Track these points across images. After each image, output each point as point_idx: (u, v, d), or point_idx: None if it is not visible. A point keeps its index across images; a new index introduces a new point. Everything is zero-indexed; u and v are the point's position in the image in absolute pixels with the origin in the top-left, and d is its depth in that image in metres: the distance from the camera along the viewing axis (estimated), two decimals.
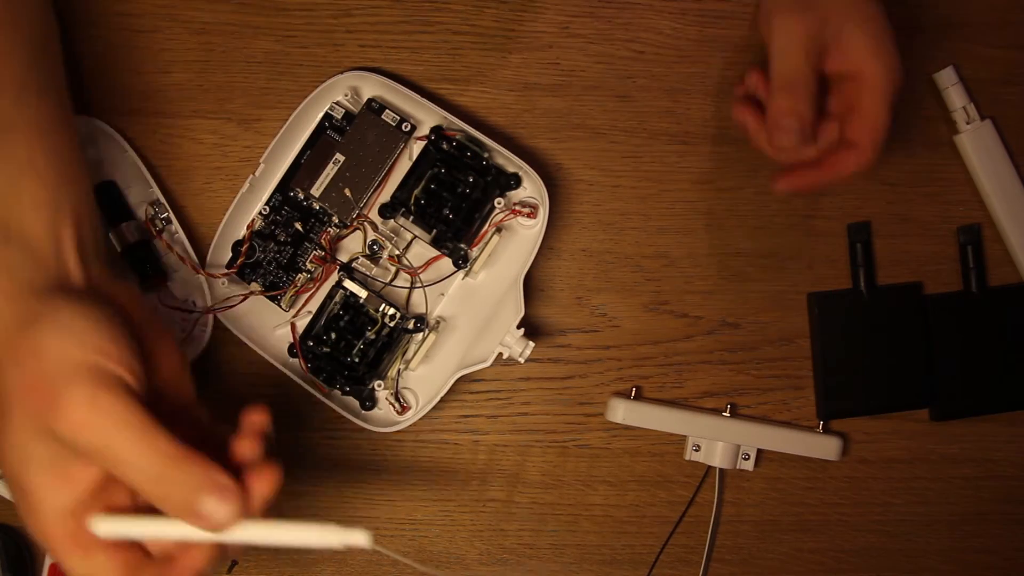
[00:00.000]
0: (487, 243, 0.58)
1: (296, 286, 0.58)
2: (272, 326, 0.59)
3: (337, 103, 0.59)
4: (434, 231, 0.57)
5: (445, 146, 0.57)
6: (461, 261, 0.58)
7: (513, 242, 0.59)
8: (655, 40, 0.62)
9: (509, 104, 0.61)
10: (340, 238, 0.59)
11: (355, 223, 0.58)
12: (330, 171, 0.58)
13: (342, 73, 0.58)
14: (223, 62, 0.60)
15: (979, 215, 0.64)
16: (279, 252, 0.59)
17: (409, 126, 0.58)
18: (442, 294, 0.59)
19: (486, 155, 0.57)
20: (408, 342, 0.58)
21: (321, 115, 0.59)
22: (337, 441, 0.61)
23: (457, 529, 0.62)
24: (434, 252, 0.58)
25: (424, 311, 0.59)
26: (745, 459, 0.62)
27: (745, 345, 0.63)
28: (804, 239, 0.63)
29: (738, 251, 0.63)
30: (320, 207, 0.58)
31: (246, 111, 0.60)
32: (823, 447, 0.62)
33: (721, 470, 0.62)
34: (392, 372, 0.58)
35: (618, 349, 0.62)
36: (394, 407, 0.58)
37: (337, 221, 0.58)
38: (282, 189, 0.59)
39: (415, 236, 0.59)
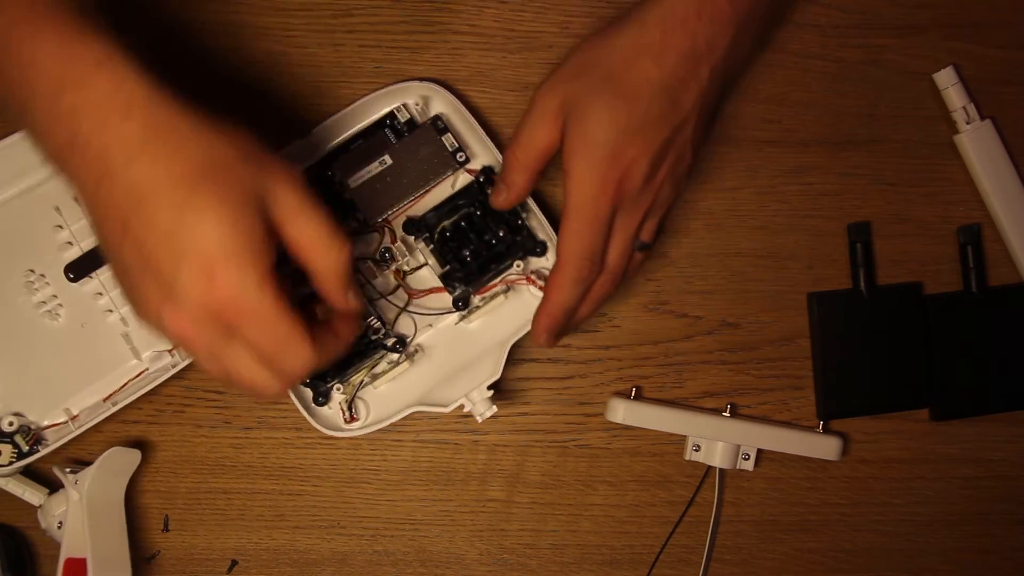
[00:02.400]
0: (493, 298, 0.58)
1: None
2: None
3: (405, 106, 0.58)
4: (447, 267, 0.57)
5: (490, 191, 0.57)
6: (462, 304, 0.57)
7: (516, 305, 0.59)
8: None
9: (509, 104, 0.61)
10: (356, 233, 0.58)
11: (376, 226, 0.58)
12: (373, 169, 0.57)
13: (420, 81, 0.58)
14: (223, 62, 0.60)
15: (979, 215, 0.64)
16: None
17: (464, 157, 0.57)
18: (430, 325, 0.59)
19: (524, 215, 0.57)
20: (381, 358, 0.58)
21: (385, 111, 0.58)
22: (337, 440, 0.61)
23: (457, 529, 0.62)
24: (439, 284, 0.58)
25: (407, 335, 0.59)
26: (745, 459, 0.62)
27: (745, 345, 0.63)
28: (804, 239, 0.63)
29: (738, 251, 0.63)
30: (350, 199, 0.57)
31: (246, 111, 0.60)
32: (823, 447, 0.62)
33: (721, 470, 0.62)
34: (356, 379, 0.58)
35: (618, 349, 0.62)
36: (344, 414, 0.58)
37: (361, 218, 0.58)
38: (321, 166, 0.58)
39: (427, 263, 0.58)
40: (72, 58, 0.41)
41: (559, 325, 0.54)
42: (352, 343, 0.49)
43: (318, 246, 0.45)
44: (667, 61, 0.49)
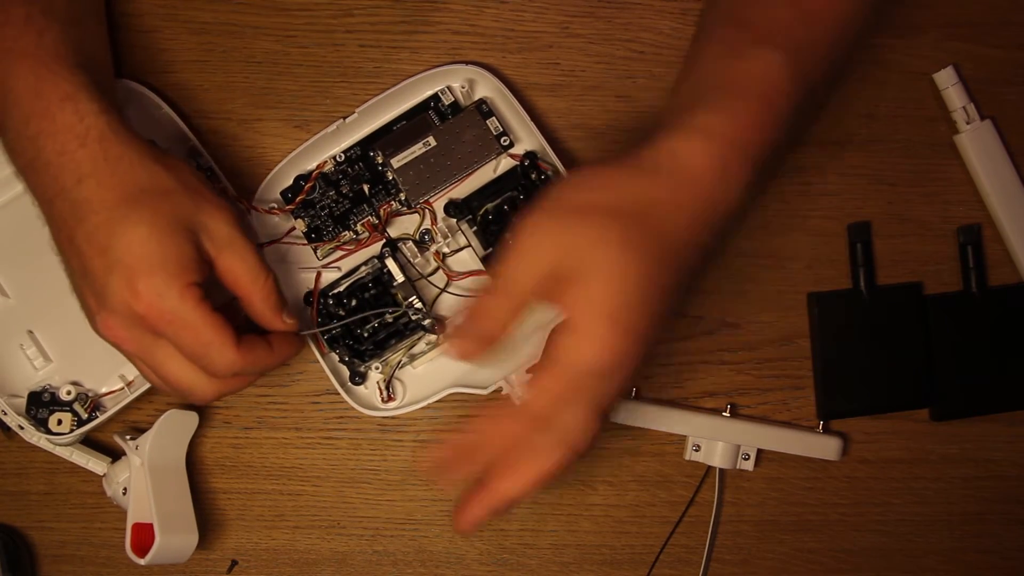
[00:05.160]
0: None
1: (339, 242, 0.58)
2: (298, 266, 0.58)
3: (449, 88, 0.59)
4: (490, 249, 0.57)
5: (534, 175, 0.57)
6: None
7: None
8: (655, 40, 0.62)
9: None
10: (398, 214, 0.59)
11: (419, 207, 0.58)
12: (417, 150, 0.57)
13: (466, 64, 0.58)
14: (223, 62, 0.60)
15: (979, 215, 0.64)
16: (336, 202, 0.58)
17: (508, 141, 0.58)
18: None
19: None
20: (420, 338, 0.58)
21: (430, 94, 0.59)
22: (337, 440, 0.61)
23: None
24: (480, 267, 0.58)
25: (446, 316, 0.59)
26: (745, 459, 0.62)
27: (745, 345, 0.63)
28: (804, 239, 0.63)
29: (738, 251, 0.63)
30: (393, 178, 0.58)
31: (246, 111, 0.60)
32: (823, 447, 0.62)
33: (721, 470, 0.62)
34: (393, 360, 0.58)
35: None
36: (381, 394, 0.58)
37: (403, 199, 0.58)
38: (364, 145, 0.59)
39: (469, 245, 0.58)
40: (41, 93, 0.47)
41: (490, 518, 0.49)
42: (289, 359, 0.53)
43: (246, 276, 0.49)
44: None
